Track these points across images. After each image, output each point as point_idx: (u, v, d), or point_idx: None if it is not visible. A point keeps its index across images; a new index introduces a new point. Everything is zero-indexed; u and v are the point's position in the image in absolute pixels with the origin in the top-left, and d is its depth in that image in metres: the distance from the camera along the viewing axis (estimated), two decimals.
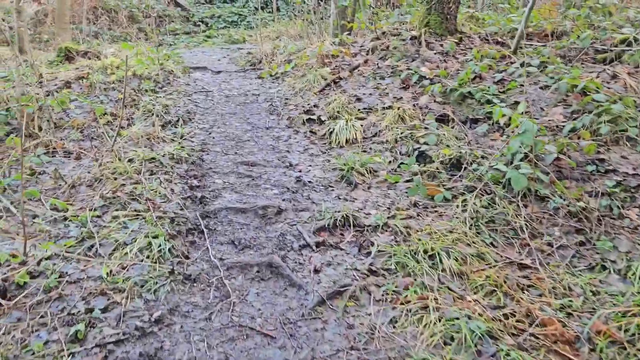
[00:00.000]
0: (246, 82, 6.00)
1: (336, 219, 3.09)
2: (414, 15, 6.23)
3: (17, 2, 5.95)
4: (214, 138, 4.41)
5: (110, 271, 2.49)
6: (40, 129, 4.32)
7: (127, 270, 2.51)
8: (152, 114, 4.62)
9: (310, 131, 4.67)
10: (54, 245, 2.67)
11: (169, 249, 2.70)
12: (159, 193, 3.32)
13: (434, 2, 5.97)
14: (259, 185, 3.62)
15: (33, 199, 3.23)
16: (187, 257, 2.73)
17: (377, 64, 5.52)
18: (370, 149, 4.27)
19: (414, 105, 4.72)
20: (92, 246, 2.70)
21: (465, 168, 3.70)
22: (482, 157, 3.81)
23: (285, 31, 12.51)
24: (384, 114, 4.64)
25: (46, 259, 2.54)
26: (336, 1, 7.83)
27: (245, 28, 13.18)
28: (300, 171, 3.89)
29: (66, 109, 4.74)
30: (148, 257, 2.61)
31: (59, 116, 4.63)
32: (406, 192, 3.57)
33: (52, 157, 3.91)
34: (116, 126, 4.19)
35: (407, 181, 3.73)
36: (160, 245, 2.68)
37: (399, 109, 4.57)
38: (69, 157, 3.98)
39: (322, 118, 4.76)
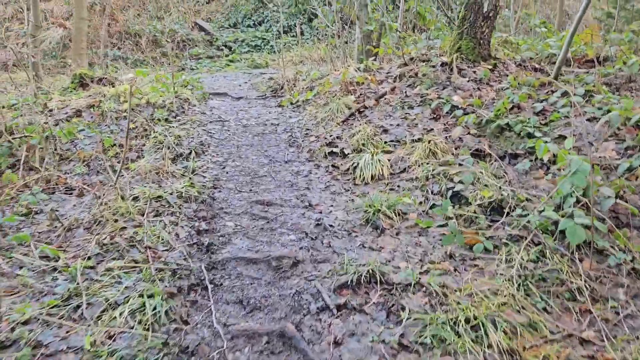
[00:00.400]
0: (265, 111, 5.69)
1: (360, 275, 2.68)
2: (444, 40, 5.85)
3: (32, 27, 5.81)
4: (227, 173, 4.07)
5: (95, 341, 2.12)
6: (42, 160, 4.06)
7: (114, 339, 2.14)
8: (163, 146, 4.31)
9: (333, 165, 4.29)
10: (36, 305, 2.33)
11: (166, 311, 2.33)
12: (162, 239, 2.96)
13: (466, 26, 5.59)
14: (274, 230, 3.23)
15: (23, 244, 2.91)
16: (186, 323, 2.34)
17: (405, 92, 5.14)
18: (398, 186, 3.85)
19: (446, 137, 4.31)
20: (79, 307, 2.35)
21: (507, 213, 3.25)
22: (527, 200, 3.36)
23: (309, 55, 12.30)
24: (413, 147, 4.24)
25: (23, 323, 2.20)
26: (361, 25, 7.54)
27: (269, 52, 13.02)
28: (320, 212, 3.50)
29: (74, 140, 4.48)
30: (140, 322, 2.24)
31: (65, 147, 4.37)
32: (440, 240, 3.13)
33: (52, 193, 3.62)
34: (121, 160, 3.89)
35: (441, 226, 3.30)
36: (155, 308, 2.31)
37: (429, 142, 4.16)
38: (71, 193, 3.68)
39: (346, 151, 4.38)
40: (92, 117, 4.87)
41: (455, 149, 4.16)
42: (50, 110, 4.85)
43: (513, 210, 3.26)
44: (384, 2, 7.37)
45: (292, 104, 5.85)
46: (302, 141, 4.67)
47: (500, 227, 3.18)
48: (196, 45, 13.26)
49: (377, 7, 7.96)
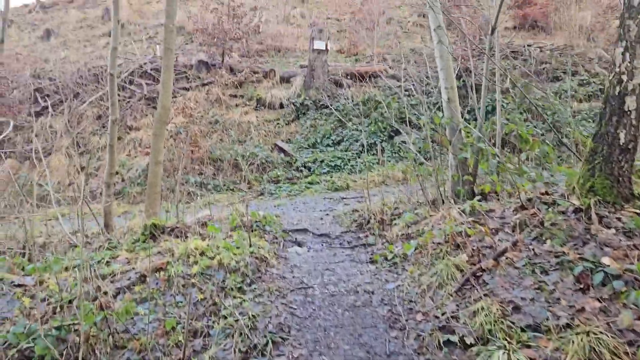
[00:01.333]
0: (355, 270, 4.78)
1: None
2: (569, 175, 4.83)
3: (107, 175, 5.55)
4: None
5: None
6: (92, 350, 3.35)
7: None
8: (235, 330, 3.49)
9: None
10: None
11: None
12: None
13: (598, 161, 4.57)
14: None
15: None
16: None
17: (532, 248, 4.08)
18: None
19: (608, 324, 3.14)
20: None
21: None
22: None
23: (391, 175, 11.64)
24: (562, 338, 3.10)
25: None
26: (455, 152, 6.73)
27: (349, 172, 12.53)
28: None
29: (134, 316, 3.80)
30: None
31: (122, 328, 3.67)
32: None
33: None
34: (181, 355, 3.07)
35: None
36: None
37: (587, 334, 3.01)
38: None
39: (467, 339, 3.31)
40: (157, 283, 4.23)
41: (629, 344, 2.97)
42: (113, 275, 4.28)
43: None
44: (480, 124, 6.57)
45: (386, 259, 4.94)
46: (406, 320, 3.66)
47: None
48: (276, 168, 13.11)
49: (470, 130, 7.18)
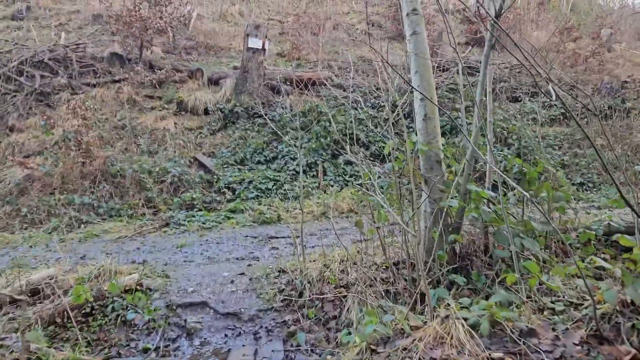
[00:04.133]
0: None
1: None
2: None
3: None
4: None
5: None
6: None
7: None
8: None
9: None
10: None
11: None
12: None
13: None
14: None
15: None
16: None
17: None
18: None
19: None
20: None
21: None
22: None
23: (334, 205, 9.36)
24: None
25: None
26: (433, 195, 4.56)
27: (282, 198, 10.15)
28: None
29: None
30: None
31: None
32: None
33: None
34: None
35: None
36: None
37: None
38: None
39: None
40: None
41: None
42: None
43: None
44: (471, 156, 4.45)
45: None
46: None
47: None
48: (192, 188, 10.49)
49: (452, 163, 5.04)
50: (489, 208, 4.61)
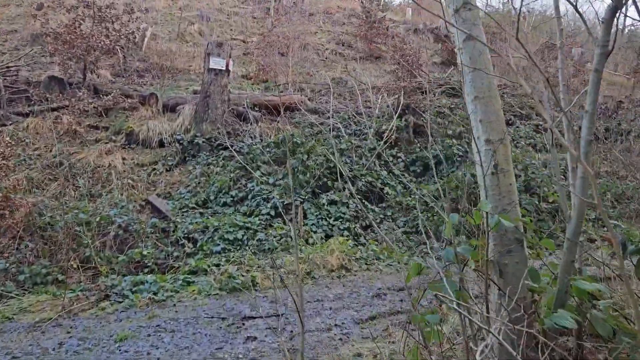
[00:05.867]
0: None
1: None
2: None
3: None
4: None
5: None
6: None
7: None
8: None
9: None
10: None
11: None
12: None
13: None
14: None
15: None
16: None
17: None
18: None
19: None
20: None
21: None
22: None
23: (321, 261, 7.55)
24: None
25: None
26: (513, 293, 2.82)
27: (255, 251, 8.25)
28: None
29: None
30: None
31: None
32: None
33: None
34: None
35: None
36: None
37: None
38: None
39: None
40: None
41: None
42: None
43: None
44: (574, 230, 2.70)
45: None
46: None
47: None
48: (142, 241, 8.46)
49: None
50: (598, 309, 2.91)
